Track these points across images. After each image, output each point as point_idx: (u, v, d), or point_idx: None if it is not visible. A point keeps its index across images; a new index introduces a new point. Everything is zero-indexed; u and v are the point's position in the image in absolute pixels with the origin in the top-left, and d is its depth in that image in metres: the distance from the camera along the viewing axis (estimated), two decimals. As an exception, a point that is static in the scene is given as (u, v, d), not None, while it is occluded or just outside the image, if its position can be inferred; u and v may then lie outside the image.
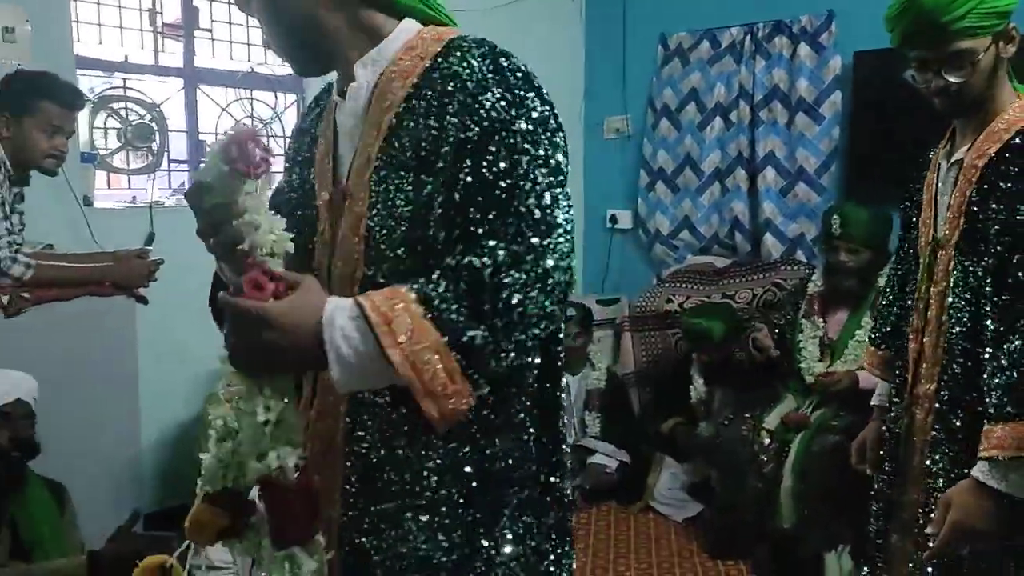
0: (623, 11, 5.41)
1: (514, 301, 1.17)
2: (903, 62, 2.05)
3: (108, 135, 3.87)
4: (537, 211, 1.21)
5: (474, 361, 1.15)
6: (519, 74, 1.27)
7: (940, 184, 2.10)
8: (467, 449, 1.30)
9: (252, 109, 4.48)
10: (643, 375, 4.94)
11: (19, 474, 2.53)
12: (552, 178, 1.24)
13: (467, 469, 1.30)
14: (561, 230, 1.23)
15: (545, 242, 1.21)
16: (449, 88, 1.25)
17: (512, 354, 1.20)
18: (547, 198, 1.23)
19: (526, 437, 1.37)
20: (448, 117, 1.23)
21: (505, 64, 1.27)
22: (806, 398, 3.71)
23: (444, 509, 1.29)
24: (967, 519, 1.79)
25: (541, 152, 1.24)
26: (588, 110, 5.69)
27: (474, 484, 1.30)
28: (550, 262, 1.21)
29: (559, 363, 1.46)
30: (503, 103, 1.23)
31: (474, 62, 1.26)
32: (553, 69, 5.55)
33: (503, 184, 1.21)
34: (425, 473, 1.29)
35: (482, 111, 1.22)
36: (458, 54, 1.28)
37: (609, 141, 5.62)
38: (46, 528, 2.53)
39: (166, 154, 4.10)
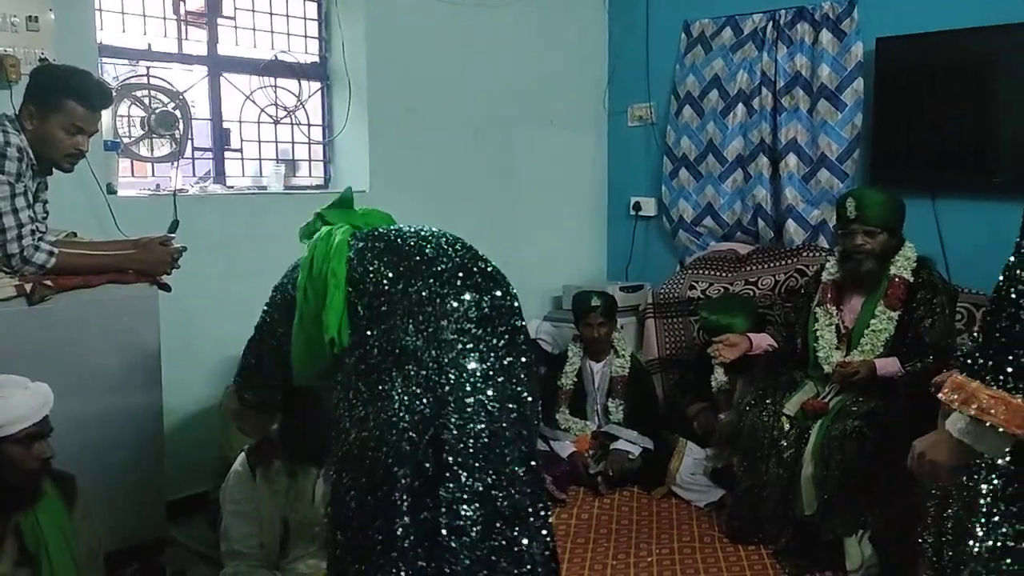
0: (646, -2, 5.40)
1: None
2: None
3: (132, 123, 3.90)
4: None
5: None
6: None
7: None
8: None
9: (276, 97, 4.50)
10: (667, 361, 4.94)
11: (39, 490, 2.42)
12: None
13: None
14: None
15: None
16: None
17: None
18: None
19: None
20: None
21: None
22: (825, 385, 3.69)
23: None
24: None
25: None
26: (612, 98, 5.69)
27: None
28: None
29: None
30: None
31: None
32: (577, 57, 5.56)
33: None
34: None
35: None
36: None
37: (633, 128, 5.62)
38: (51, 534, 2.41)
39: (190, 142, 4.12)
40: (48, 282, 2.80)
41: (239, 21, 4.33)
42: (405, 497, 2.01)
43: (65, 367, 2.84)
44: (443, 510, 2.01)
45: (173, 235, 3.22)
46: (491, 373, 2.11)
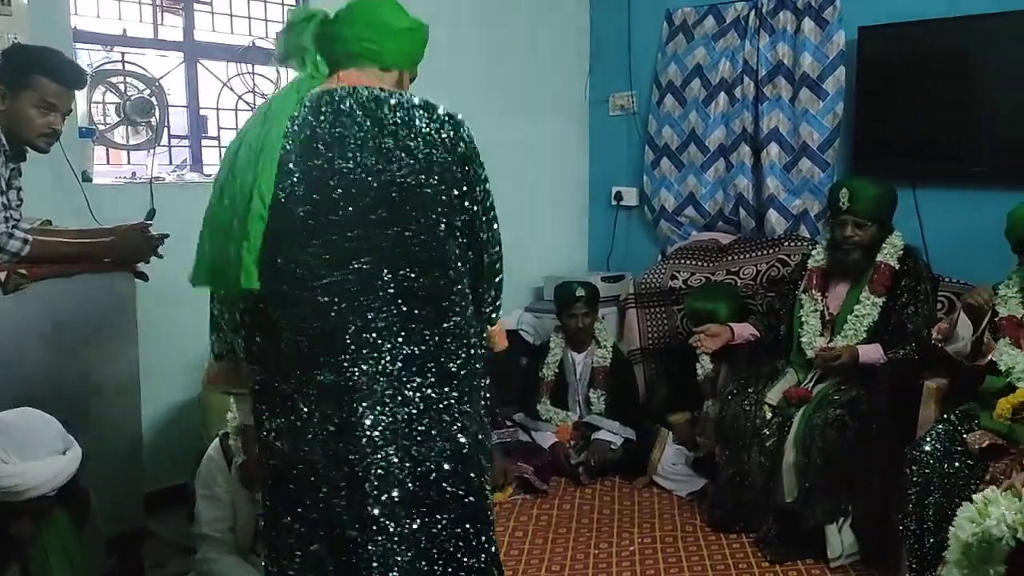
0: (628, -14, 5.37)
1: None
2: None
3: (107, 110, 3.85)
4: None
5: None
6: None
7: None
8: None
9: (254, 84, 4.45)
10: (648, 352, 4.93)
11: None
12: None
13: None
14: None
15: None
16: None
17: None
18: None
19: None
20: None
21: None
22: (808, 372, 3.70)
23: None
24: None
25: None
26: (593, 87, 5.66)
27: None
28: None
29: None
30: None
31: None
32: (558, 46, 5.52)
33: None
34: None
35: None
36: None
37: (614, 118, 5.59)
38: (57, 561, 2.37)
39: (166, 129, 4.05)
40: (23, 270, 2.76)
41: (216, 6, 4.26)
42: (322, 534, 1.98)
43: (41, 357, 2.81)
44: (374, 561, 1.92)
45: (150, 223, 3.18)
46: (419, 427, 1.95)
